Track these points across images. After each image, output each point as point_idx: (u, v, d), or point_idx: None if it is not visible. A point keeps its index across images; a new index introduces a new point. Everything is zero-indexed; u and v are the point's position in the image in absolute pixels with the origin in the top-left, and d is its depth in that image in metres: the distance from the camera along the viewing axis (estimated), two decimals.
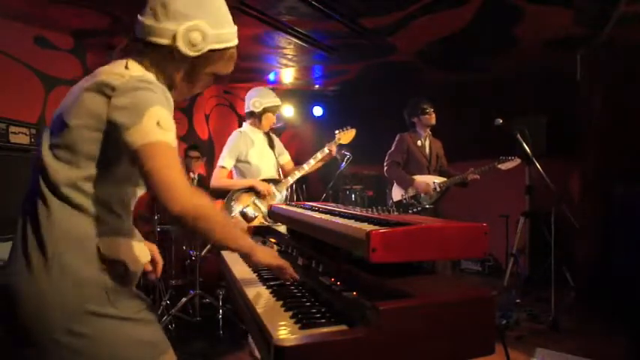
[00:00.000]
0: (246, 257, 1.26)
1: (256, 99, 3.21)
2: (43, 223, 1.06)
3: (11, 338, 1.08)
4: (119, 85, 1.07)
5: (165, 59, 1.18)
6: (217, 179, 3.14)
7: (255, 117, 3.25)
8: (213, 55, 1.21)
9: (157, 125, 1.04)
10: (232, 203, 3.11)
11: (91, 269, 1.06)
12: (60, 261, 1.03)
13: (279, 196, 3.23)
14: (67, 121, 1.08)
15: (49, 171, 1.08)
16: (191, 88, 1.27)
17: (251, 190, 3.14)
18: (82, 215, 1.08)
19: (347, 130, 3.32)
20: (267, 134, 3.36)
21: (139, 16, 1.18)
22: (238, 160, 3.18)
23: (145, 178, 1.04)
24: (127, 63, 1.16)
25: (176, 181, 1.02)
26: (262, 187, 3.12)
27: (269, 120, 3.29)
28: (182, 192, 1.02)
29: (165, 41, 1.15)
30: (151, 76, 1.17)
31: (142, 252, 1.21)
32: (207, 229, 1.09)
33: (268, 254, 1.31)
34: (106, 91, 1.07)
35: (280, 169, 3.41)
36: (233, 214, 3.08)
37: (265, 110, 3.23)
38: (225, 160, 3.15)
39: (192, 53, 1.16)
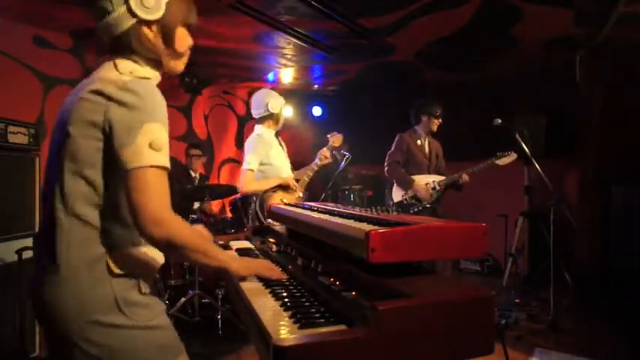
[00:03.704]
0: (223, 271, 1.31)
1: (273, 100, 3.28)
2: (57, 240, 1.10)
3: (49, 339, 1.17)
4: (113, 93, 1.08)
5: (140, 37, 1.18)
6: (247, 183, 3.17)
7: (273, 118, 3.32)
8: (174, 5, 1.21)
9: (149, 147, 1.07)
10: (265, 205, 3.14)
11: (103, 285, 1.10)
12: (73, 280, 1.08)
13: (302, 196, 3.31)
14: (68, 130, 1.11)
15: (61, 186, 1.11)
16: (174, 50, 1.25)
17: (278, 189, 3.21)
18: (93, 231, 1.11)
19: (335, 134, 3.47)
20: (276, 136, 3.43)
21: (97, 23, 1.19)
22: (261, 163, 3.23)
23: (127, 202, 1.07)
24: (115, 64, 1.17)
25: (154, 209, 1.06)
26: (288, 180, 3.22)
27: (282, 119, 3.41)
28: (157, 216, 1.06)
29: (128, 22, 1.16)
30: (143, 72, 1.18)
31: (155, 255, 1.23)
32: (181, 254, 1.13)
33: (245, 265, 1.39)
34: (100, 100, 1.09)
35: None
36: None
37: (281, 109, 3.33)
38: (252, 163, 3.18)
39: (155, 15, 1.17)
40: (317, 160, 3.36)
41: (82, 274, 1.08)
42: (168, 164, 1.11)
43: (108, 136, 1.08)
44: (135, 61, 1.19)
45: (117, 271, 1.11)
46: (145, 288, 1.17)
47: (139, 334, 1.11)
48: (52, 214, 1.12)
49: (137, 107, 1.08)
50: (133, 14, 1.15)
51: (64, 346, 1.09)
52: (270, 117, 3.31)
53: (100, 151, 1.10)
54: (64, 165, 1.11)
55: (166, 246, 1.10)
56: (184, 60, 1.32)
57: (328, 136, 3.47)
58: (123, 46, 1.19)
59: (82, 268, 1.09)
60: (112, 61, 1.18)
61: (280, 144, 3.44)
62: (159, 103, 1.12)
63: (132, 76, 1.14)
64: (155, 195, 1.06)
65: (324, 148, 3.40)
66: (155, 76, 1.24)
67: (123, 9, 1.14)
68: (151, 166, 1.07)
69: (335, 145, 3.44)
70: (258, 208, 3.16)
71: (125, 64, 1.17)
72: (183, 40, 1.27)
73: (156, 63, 1.24)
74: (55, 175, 1.13)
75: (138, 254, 1.17)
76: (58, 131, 1.17)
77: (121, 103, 1.08)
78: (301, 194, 3.29)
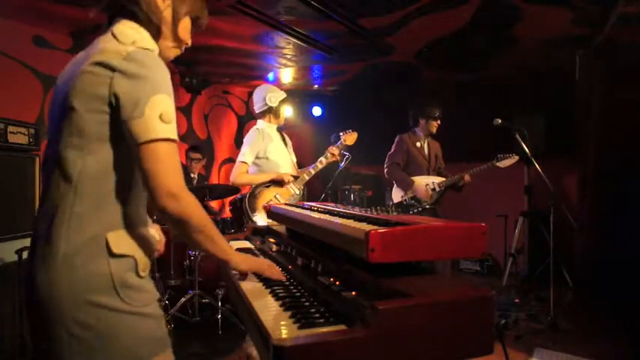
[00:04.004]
0: (224, 263, 1.29)
1: (271, 94, 3.25)
2: (57, 218, 1.07)
3: (33, 331, 1.12)
4: (117, 64, 1.06)
5: (149, 7, 1.19)
6: (239, 175, 3.14)
7: (272, 112, 3.28)
8: None
9: (159, 119, 1.05)
10: (256, 200, 3.10)
11: (100, 264, 1.07)
12: (70, 258, 1.05)
13: (298, 193, 3.24)
14: (72, 104, 1.08)
15: (64, 161, 1.08)
16: (177, 31, 1.26)
17: (272, 184, 3.15)
18: (96, 208, 1.08)
19: (350, 132, 3.39)
20: (279, 131, 3.38)
21: None
22: (257, 157, 3.19)
23: (142, 175, 1.06)
24: (113, 34, 1.14)
25: (170, 182, 1.05)
26: (283, 176, 3.15)
27: (284, 113, 3.37)
28: (171, 189, 1.06)
29: None
30: (146, 43, 1.16)
31: (153, 239, 1.22)
32: (188, 232, 1.13)
33: (245, 261, 1.36)
34: (104, 72, 1.06)
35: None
36: (256, 211, 3.07)
37: (280, 104, 3.29)
38: (246, 155, 3.16)
39: None
40: (322, 158, 3.29)
41: (80, 252, 1.05)
42: (177, 137, 1.10)
43: (114, 108, 1.06)
44: (134, 29, 1.17)
45: (116, 250, 1.08)
46: (143, 271, 1.14)
47: (130, 320, 1.08)
48: (53, 192, 1.09)
49: (143, 78, 1.06)
50: None
51: (52, 331, 1.04)
52: (269, 111, 3.28)
53: (105, 124, 1.07)
54: (68, 140, 1.08)
55: (178, 220, 1.09)
56: (178, 51, 1.32)
57: (341, 133, 3.38)
58: (128, 9, 1.18)
59: (80, 247, 1.05)
60: (109, 32, 1.15)
61: (284, 140, 3.38)
62: (164, 73, 1.11)
63: (135, 47, 1.11)
64: (169, 168, 1.06)
65: (334, 146, 3.32)
66: (156, 48, 1.22)
67: None
68: (163, 139, 1.06)
69: (348, 144, 3.36)
70: (246, 203, 3.09)
71: (125, 33, 1.14)
72: (186, 30, 1.29)
73: (156, 32, 1.22)
74: (58, 151, 1.09)
75: (140, 233, 1.15)
76: (57, 107, 1.14)
77: (126, 74, 1.05)
78: (298, 192, 3.22)
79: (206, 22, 1.35)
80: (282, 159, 3.26)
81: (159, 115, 1.06)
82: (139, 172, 1.07)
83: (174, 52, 1.32)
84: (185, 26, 1.28)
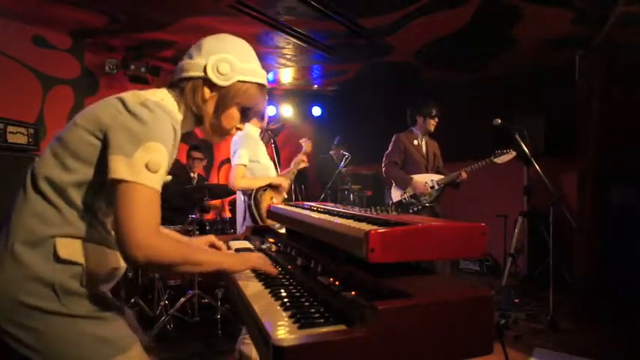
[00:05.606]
0: (221, 272, 1.29)
1: None
2: (15, 212, 1.11)
3: None
4: (131, 105, 1.11)
5: (196, 90, 1.25)
6: (239, 178, 3.01)
7: (259, 115, 3.11)
8: (241, 87, 1.28)
9: (145, 166, 1.06)
10: (260, 206, 3.04)
11: (43, 267, 1.07)
12: (16, 253, 1.06)
13: (286, 197, 3.23)
14: (77, 119, 1.15)
15: (39, 162, 1.15)
16: (220, 121, 1.30)
17: (268, 188, 3.10)
18: (53, 211, 1.10)
19: (306, 140, 3.46)
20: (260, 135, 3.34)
21: (179, 62, 1.29)
22: (250, 160, 3.10)
23: (114, 212, 1.05)
24: (157, 88, 1.23)
25: (141, 232, 1.03)
26: (280, 181, 3.11)
27: (267, 116, 3.27)
28: (140, 241, 1.03)
29: (197, 73, 1.24)
30: (169, 102, 1.22)
31: (111, 259, 1.20)
32: (170, 271, 1.13)
33: (240, 261, 1.35)
34: (119, 106, 1.12)
35: None
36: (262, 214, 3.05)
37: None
38: (243, 157, 3.04)
39: (221, 82, 1.24)
40: (292, 167, 3.31)
41: (25, 254, 1.06)
42: (159, 187, 1.10)
43: (106, 139, 1.09)
44: (176, 101, 1.25)
45: (63, 256, 1.08)
46: (88, 284, 1.12)
47: (75, 324, 1.08)
48: (22, 189, 1.14)
49: (146, 123, 1.09)
50: (205, 70, 1.23)
51: None
52: (257, 113, 3.13)
53: (89, 147, 1.11)
54: (52, 145, 1.15)
55: (152, 267, 1.09)
56: (224, 137, 1.37)
57: (301, 141, 3.42)
58: (179, 87, 1.26)
59: (27, 249, 1.06)
60: (160, 88, 1.25)
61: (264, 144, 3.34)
62: (169, 127, 1.14)
63: (157, 99, 1.17)
64: (144, 216, 1.04)
65: (300, 155, 3.34)
66: (179, 118, 1.26)
67: (202, 62, 1.23)
68: (143, 185, 1.05)
69: (308, 151, 3.40)
70: (253, 207, 3.02)
71: (163, 93, 1.23)
72: (232, 119, 1.31)
73: (195, 118, 1.29)
74: (40, 157, 1.17)
75: (91, 251, 1.14)
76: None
77: (133, 115, 1.09)
78: (287, 196, 3.21)
79: (255, 112, 1.38)
80: (270, 162, 3.22)
81: (147, 161, 1.06)
82: (113, 208, 1.06)
83: (218, 139, 1.37)
84: (231, 116, 1.30)
